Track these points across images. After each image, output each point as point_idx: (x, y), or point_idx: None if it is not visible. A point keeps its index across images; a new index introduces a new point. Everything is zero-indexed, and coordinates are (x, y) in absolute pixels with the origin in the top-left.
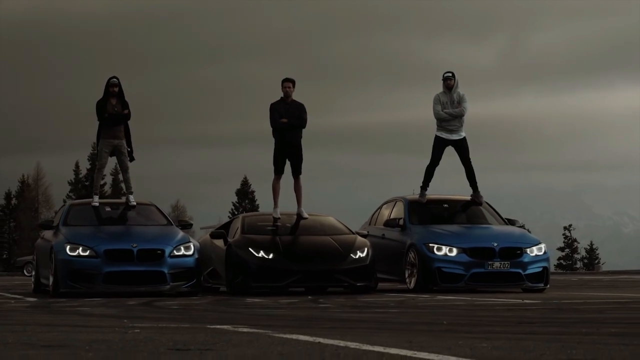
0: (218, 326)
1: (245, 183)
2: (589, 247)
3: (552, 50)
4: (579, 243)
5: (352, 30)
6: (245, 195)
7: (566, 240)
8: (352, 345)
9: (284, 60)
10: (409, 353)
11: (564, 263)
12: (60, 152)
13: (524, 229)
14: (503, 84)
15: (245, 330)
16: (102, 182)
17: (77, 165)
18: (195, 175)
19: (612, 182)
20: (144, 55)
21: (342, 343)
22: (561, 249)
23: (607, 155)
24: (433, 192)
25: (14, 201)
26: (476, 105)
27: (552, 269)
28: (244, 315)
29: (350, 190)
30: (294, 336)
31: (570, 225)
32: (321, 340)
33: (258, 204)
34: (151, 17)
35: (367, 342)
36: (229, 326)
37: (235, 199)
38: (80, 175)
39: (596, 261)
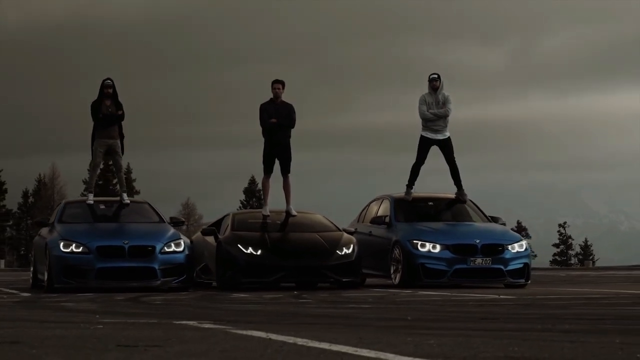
0: (184, 322)
1: (252, 182)
2: (583, 244)
3: (559, 54)
4: (573, 240)
5: (368, 34)
6: (252, 194)
7: (561, 237)
8: (301, 341)
9: (300, 64)
10: (350, 350)
11: (559, 259)
12: (75, 152)
13: (522, 226)
14: (512, 86)
15: (207, 326)
16: (114, 181)
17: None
18: (206, 174)
19: (611, 181)
20: (162, 59)
21: (291, 339)
22: (556, 246)
23: (607, 155)
24: (420, 191)
25: (30, 199)
26: (485, 106)
27: (547, 264)
28: (219, 310)
29: (366, 189)
30: (249, 332)
31: (565, 223)
32: (273, 336)
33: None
34: (170, 22)
35: (317, 339)
36: (194, 322)
37: (243, 197)
38: None
39: (590, 257)
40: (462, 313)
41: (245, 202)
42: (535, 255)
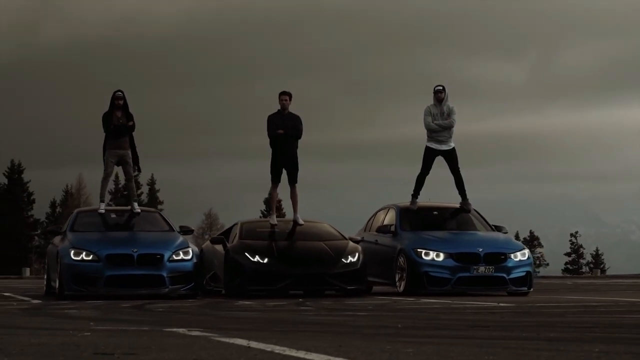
0: (174, 329)
1: None
2: (594, 253)
3: (579, 68)
4: (584, 249)
5: (392, 49)
6: None
7: (572, 246)
8: (278, 349)
9: (326, 77)
10: (324, 358)
11: (571, 268)
12: (101, 164)
13: (534, 235)
14: (532, 100)
15: (194, 333)
16: (139, 192)
17: (116, 176)
18: (229, 185)
19: (623, 192)
20: (188, 72)
21: (269, 347)
22: (568, 254)
23: (620, 166)
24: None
25: (58, 209)
26: (506, 119)
27: (559, 273)
28: (216, 318)
29: (391, 199)
30: (232, 340)
31: (576, 232)
32: (253, 344)
33: (285, 212)
34: (198, 36)
35: (297, 347)
36: (184, 329)
37: (263, 207)
38: (120, 186)
39: (601, 266)
40: (456, 321)
41: (265, 212)
42: (547, 264)
